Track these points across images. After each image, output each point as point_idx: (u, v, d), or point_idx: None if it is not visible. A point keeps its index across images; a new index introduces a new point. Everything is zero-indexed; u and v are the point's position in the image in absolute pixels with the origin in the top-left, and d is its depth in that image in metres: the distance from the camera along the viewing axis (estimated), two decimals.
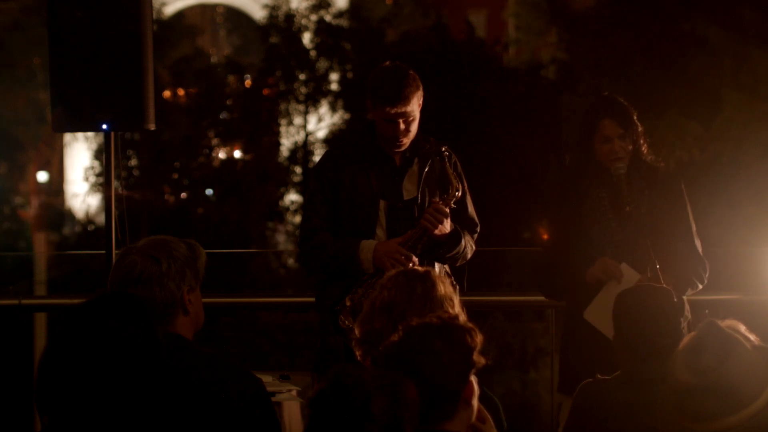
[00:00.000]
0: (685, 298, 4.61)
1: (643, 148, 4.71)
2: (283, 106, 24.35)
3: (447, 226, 4.56)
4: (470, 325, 2.92)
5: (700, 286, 4.67)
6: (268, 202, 23.42)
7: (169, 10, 27.86)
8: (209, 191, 23.68)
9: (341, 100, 24.08)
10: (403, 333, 2.87)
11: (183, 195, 23.41)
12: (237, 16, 32.03)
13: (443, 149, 4.65)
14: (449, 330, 2.85)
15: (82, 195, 24.56)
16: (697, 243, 4.73)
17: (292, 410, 4.32)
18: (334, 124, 24.23)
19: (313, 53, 24.30)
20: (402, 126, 4.56)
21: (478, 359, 2.84)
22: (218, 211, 22.42)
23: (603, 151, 4.64)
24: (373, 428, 2.55)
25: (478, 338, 2.87)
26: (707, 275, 4.72)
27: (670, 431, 2.83)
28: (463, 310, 3.50)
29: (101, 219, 15.80)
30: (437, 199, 4.60)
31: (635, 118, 4.69)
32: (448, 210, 4.56)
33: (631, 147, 4.66)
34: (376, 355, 3.33)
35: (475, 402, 2.87)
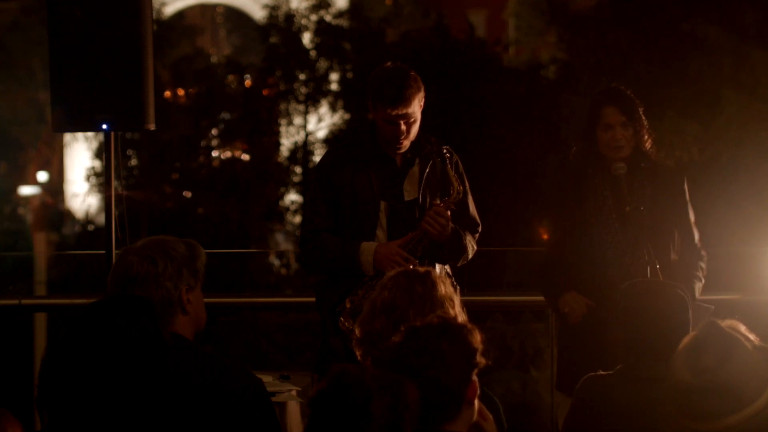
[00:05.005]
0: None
1: (647, 144, 4.69)
2: (283, 106, 24.35)
3: (448, 228, 4.55)
4: (470, 325, 2.92)
5: (702, 282, 4.67)
6: (268, 202, 23.41)
7: (169, 10, 27.86)
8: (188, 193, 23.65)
9: (341, 100, 24.07)
10: (406, 334, 2.86)
11: (186, 194, 23.40)
12: (237, 16, 32.04)
13: (444, 150, 4.64)
14: (453, 331, 2.85)
15: (82, 195, 24.57)
16: (696, 235, 4.74)
17: (292, 410, 4.32)
18: (334, 124, 24.23)
19: (313, 53, 24.30)
20: (403, 127, 4.55)
21: (480, 360, 2.84)
22: (218, 211, 22.41)
23: (605, 140, 4.63)
24: (373, 428, 2.55)
25: (480, 338, 2.87)
26: (706, 266, 4.71)
27: (671, 430, 2.83)
28: (463, 310, 3.50)
29: (101, 219, 15.80)
30: (438, 201, 4.58)
31: (641, 111, 4.68)
32: (449, 212, 4.55)
33: (633, 138, 4.64)
34: (376, 355, 3.33)
35: (476, 401, 2.88)
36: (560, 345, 4.85)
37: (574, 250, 4.66)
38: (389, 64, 4.66)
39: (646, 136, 4.69)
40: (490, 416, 3.04)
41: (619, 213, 4.62)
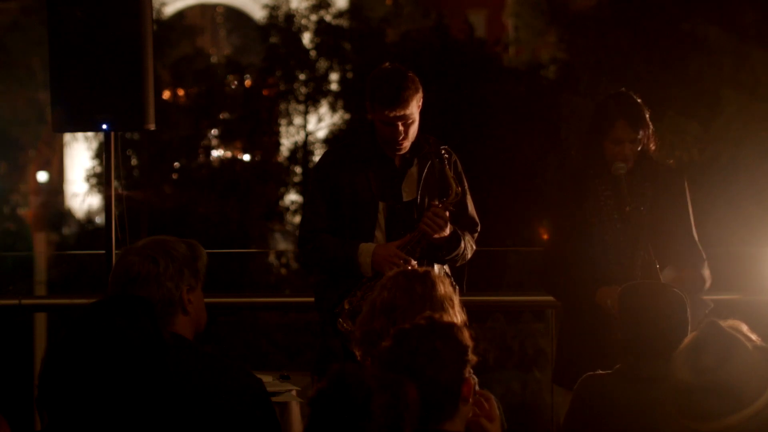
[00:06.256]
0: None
1: (651, 147, 4.69)
2: (283, 106, 24.36)
3: (446, 229, 4.54)
4: (458, 323, 2.93)
5: (708, 282, 4.66)
6: (268, 202, 23.42)
7: (169, 10, 27.86)
8: None
9: (341, 100, 24.09)
10: (396, 337, 2.86)
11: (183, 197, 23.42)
12: (237, 16, 32.05)
13: (442, 150, 4.63)
14: (443, 330, 2.85)
15: (81, 195, 24.58)
16: (695, 237, 4.74)
17: (293, 410, 4.32)
18: (334, 124, 24.24)
19: (313, 53, 24.31)
20: (401, 129, 4.54)
21: (472, 356, 2.85)
22: (218, 211, 22.41)
23: (613, 152, 4.62)
24: (373, 427, 2.56)
25: (468, 335, 2.87)
26: (708, 271, 4.71)
27: (671, 430, 2.83)
28: (463, 310, 3.51)
29: (101, 219, 15.79)
30: (437, 203, 4.57)
31: (647, 117, 4.67)
32: (447, 213, 4.54)
33: (639, 148, 4.64)
34: (376, 355, 3.34)
35: (475, 397, 2.88)
36: (560, 342, 4.85)
37: (574, 250, 4.65)
38: (387, 65, 4.64)
39: (651, 140, 4.68)
40: (498, 415, 3.03)
41: (620, 213, 4.62)
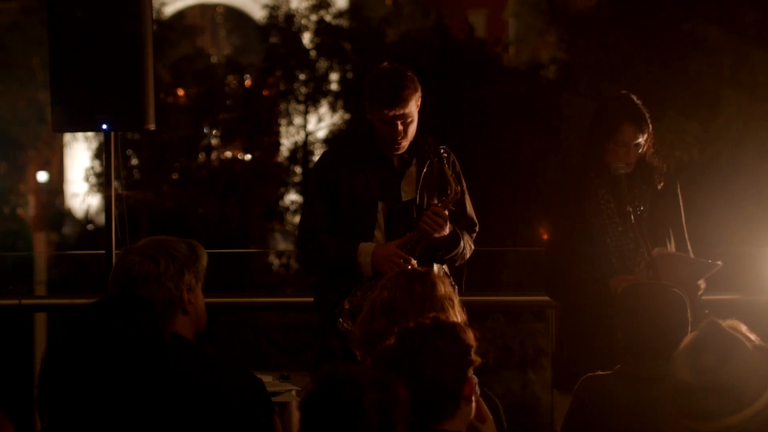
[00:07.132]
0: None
1: (650, 150, 4.69)
2: (283, 106, 24.35)
3: (446, 228, 4.54)
4: (462, 323, 2.93)
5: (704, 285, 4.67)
6: (268, 202, 23.41)
7: (169, 10, 27.85)
8: None
9: (341, 100, 24.07)
10: (400, 336, 2.86)
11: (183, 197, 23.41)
12: (237, 16, 32.05)
13: (441, 149, 4.63)
14: (446, 329, 2.86)
15: (82, 195, 24.57)
16: (687, 242, 4.75)
17: (293, 410, 4.32)
18: (334, 124, 24.23)
19: (313, 53, 24.30)
20: (400, 128, 4.54)
21: (475, 357, 2.85)
22: (218, 211, 22.40)
23: (617, 154, 4.62)
24: (366, 424, 2.56)
25: (473, 335, 2.88)
26: None
27: (671, 430, 2.83)
28: (463, 310, 3.51)
29: (101, 219, 15.79)
30: (436, 202, 4.58)
31: (648, 119, 4.67)
32: (446, 212, 4.55)
33: (640, 150, 4.65)
34: (376, 355, 3.34)
35: (474, 398, 2.88)
36: (559, 343, 4.85)
37: (575, 251, 4.65)
38: (386, 64, 4.65)
39: (650, 143, 4.69)
40: (490, 417, 3.04)
41: (621, 214, 4.62)
